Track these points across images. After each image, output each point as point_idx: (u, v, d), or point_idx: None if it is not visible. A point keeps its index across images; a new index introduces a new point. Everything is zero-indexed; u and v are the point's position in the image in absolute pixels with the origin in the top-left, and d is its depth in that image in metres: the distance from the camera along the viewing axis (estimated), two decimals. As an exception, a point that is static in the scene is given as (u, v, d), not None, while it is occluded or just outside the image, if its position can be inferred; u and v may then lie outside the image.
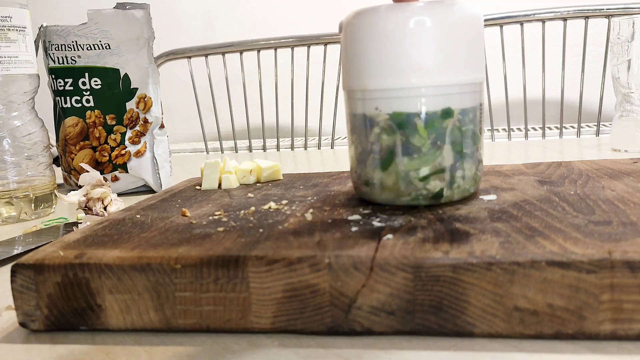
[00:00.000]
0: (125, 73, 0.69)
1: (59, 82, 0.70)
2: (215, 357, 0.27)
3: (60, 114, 0.71)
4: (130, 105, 0.70)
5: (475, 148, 0.37)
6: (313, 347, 0.27)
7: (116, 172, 0.70)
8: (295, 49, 1.47)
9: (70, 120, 0.70)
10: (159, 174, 0.70)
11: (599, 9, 1.27)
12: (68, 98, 0.69)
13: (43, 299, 0.30)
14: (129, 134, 0.70)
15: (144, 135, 0.70)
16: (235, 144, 1.53)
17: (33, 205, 0.61)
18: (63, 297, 0.30)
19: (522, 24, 1.32)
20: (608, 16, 1.25)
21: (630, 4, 1.25)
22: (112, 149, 0.70)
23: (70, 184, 0.73)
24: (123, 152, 0.70)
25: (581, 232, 0.29)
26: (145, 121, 0.70)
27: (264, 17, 1.91)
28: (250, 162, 0.52)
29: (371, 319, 0.27)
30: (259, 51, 1.49)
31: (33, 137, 0.61)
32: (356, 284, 0.27)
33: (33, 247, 0.46)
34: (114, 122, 0.70)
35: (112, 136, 0.70)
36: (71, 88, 0.69)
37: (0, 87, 0.59)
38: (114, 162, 0.70)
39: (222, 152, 1.48)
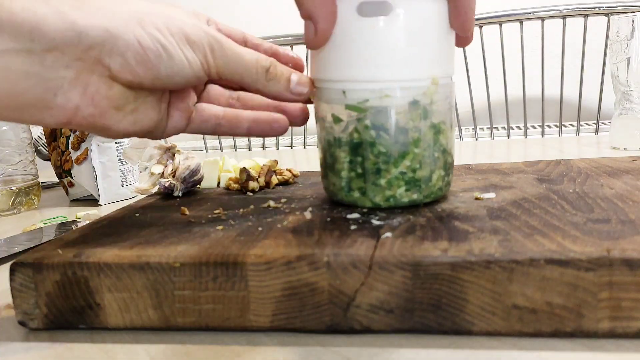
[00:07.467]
0: None
1: None
2: (214, 355, 0.27)
3: None
4: None
5: (444, 149, 0.36)
6: (312, 346, 0.27)
7: (70, 178, 0.66)
8: (294, 47, 1.47)
9: None
10: (96, 184, 0.64)
11: (598, 7, 1.27)
12: None
13: (42, 298, 0.30)
14: (71, 138, 0.65)
15: (84, 141, 0.64)
16: (235, 142, 1.53)
17: (14, 198, 0.63)
18: (62, 295, 0.30)
19: (521, 22, 1.32)
20: (607, 14, 1.25)
21: (630, 2, 1.25)
22: (62, 153, 0.66)
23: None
24: (68, 157, 0.65)
25: (580, 230, 0.29)
26: None
27: (263, 15, 1.91)
28: (250, 161, 0.52)
29: (370, 317, 0.27)
30: (258, 49, 1.48)
31: (16, 135, 0.64)
32: (355, 282, 0.27)
33: (32, 245, 0.46)
34: None
35: (61, 139, 0.66)
36: None
37: None
38: (63, 167, 0.66)
39: (222, 151, 1.48)
